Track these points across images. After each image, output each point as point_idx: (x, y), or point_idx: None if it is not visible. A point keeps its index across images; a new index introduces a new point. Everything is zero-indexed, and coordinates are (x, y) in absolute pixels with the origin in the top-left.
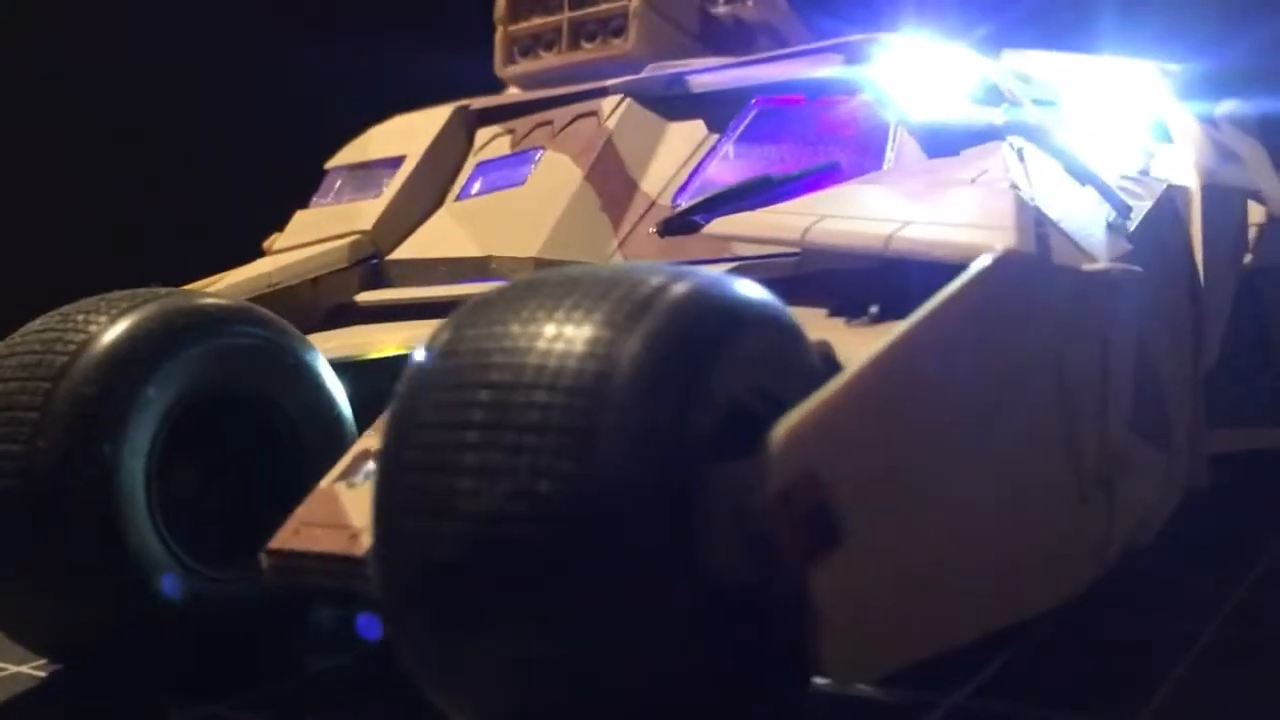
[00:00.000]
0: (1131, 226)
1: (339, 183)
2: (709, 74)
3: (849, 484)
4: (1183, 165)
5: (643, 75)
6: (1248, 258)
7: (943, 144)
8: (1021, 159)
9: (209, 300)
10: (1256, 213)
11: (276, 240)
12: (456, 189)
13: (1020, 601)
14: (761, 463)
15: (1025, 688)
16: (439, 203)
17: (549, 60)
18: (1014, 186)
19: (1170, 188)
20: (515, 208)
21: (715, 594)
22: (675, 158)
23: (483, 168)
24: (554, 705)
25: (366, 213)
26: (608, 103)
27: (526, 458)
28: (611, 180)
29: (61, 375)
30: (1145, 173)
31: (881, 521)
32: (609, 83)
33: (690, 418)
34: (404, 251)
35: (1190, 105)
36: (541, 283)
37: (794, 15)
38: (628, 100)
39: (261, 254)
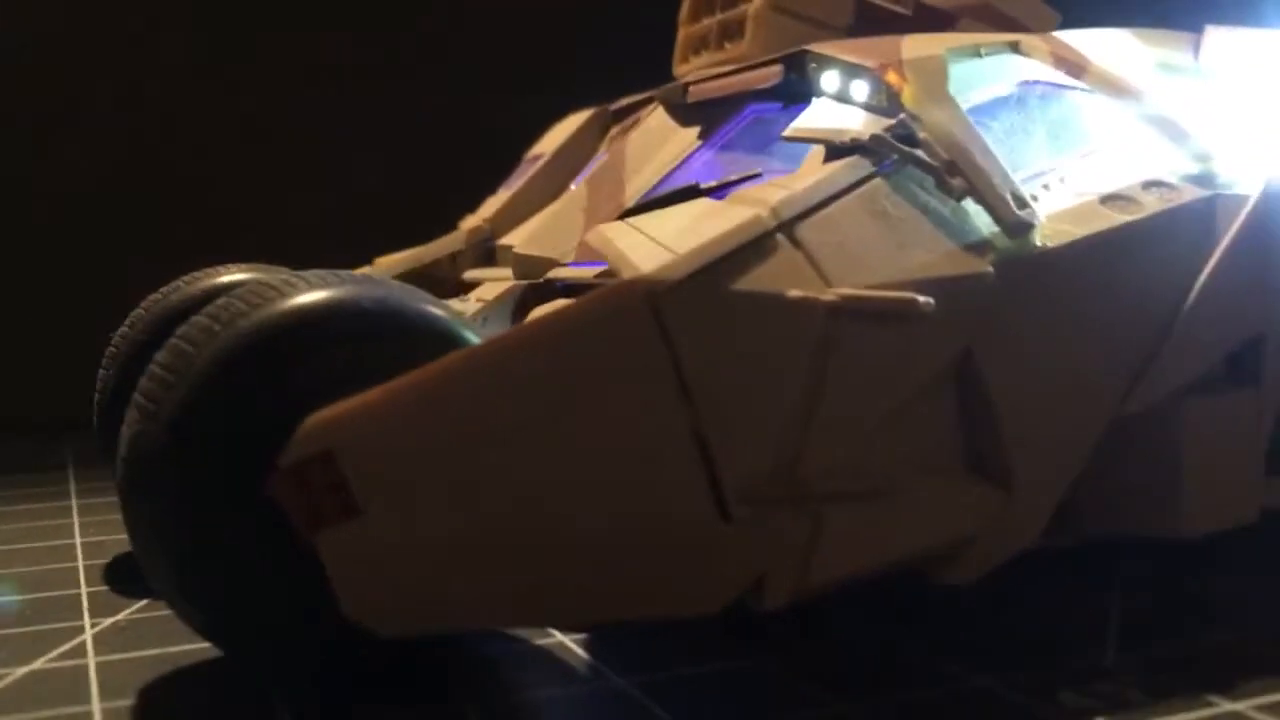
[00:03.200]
0: (1037, 244)
1: (516, 172)
2: (711, 81)
3: (371, 468)
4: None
5: (679, 82)
6: None
7: (836, 156)
8: (873, 172)
9: None
10: None
11: (468, 220)
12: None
13: (615, 602)
14: (291, 440)
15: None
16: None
17: (702, 61)
18: (774, 208)
19: (1213, 197)
20: (565, 203)
21: (275, 539)
22: (664, 162)
23: (589, 166)
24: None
25: (495, 203)
26: (649, 108)
27: (139, 415)
28: (606, 182)
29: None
30: (1203, 177)
31: (413, 505)
32: (656, 91)
33: (245, 405)
34: (506, 239)
35: None
36: (253, 280)
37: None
38: (658, 106)
39: None
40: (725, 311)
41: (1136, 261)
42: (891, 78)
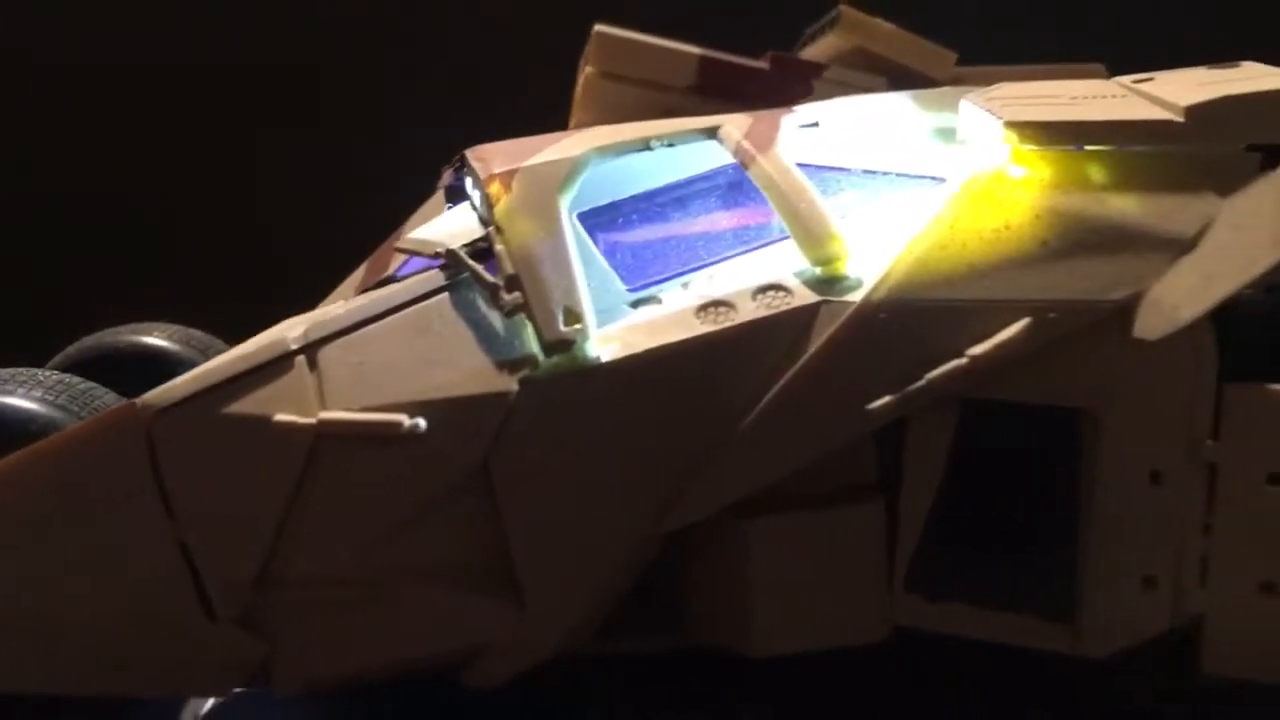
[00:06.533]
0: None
1: None
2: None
3: None
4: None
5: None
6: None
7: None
8: (440, 287)
9: None
10: None
11: None
12: None
13: (144, 685)
14: None
15: None
16: None
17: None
18: (307, 330)
19: (818, 305)
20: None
21: None
22: None
23: None
24: None
25: None
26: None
27: None
28: (380, 260)
29: None
30: (827, 282)
31: None
32: None
33: None
34: None
35: None
36: None
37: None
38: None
39: None
40: (215, 434)
41: (695, 377)
42: (492, 189)
